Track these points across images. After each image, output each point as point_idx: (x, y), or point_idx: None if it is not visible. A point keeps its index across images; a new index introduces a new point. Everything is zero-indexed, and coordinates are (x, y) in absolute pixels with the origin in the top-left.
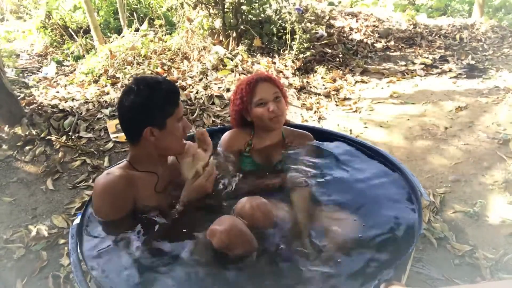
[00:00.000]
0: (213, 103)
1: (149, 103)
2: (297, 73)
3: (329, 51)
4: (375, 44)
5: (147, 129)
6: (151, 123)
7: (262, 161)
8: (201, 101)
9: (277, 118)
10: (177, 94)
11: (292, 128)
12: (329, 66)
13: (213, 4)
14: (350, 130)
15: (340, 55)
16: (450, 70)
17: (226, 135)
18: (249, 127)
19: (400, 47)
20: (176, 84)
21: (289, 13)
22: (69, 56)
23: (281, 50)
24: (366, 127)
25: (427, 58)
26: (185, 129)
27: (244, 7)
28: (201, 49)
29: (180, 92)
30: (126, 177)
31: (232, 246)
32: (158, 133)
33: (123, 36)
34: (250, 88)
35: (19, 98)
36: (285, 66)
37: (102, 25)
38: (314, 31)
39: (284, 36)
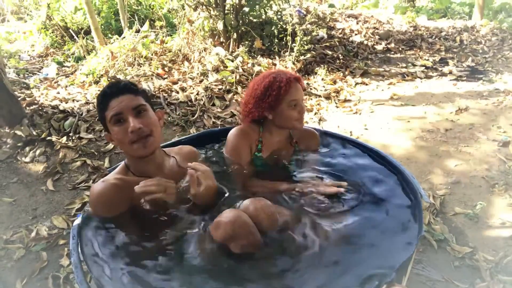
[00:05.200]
0: (213, 105)
1: None
2: (297, 74)
3: (330, 53)
4: (375, 46)
5: (105, 133)
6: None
7: (272, 160)
8: (201, 103)
9: (302, 119)
10: (104, 98)
11: None
12: (330, 68)
13: (214, 5)
14: (351, 132)
15: (341, 57)
16: (450, 72)
17: (234, 132)
18: (256, 125)
19: (400, 49)
20: (177, 84)
21: (290, 15)
22: (69, 57)
23: (282, 52)
24: (366, 129)
25: (428, 60)
26: (127, 129)
27: (245, 9)
28: (202, 51)
29: (182, 94)
30: (120, 185)
31: (237, 237)
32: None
33: (124, 37)
34: (288, 86)
35: (19, 98)
36: (286, 67)
37: (103, 26)
38: (314, 33)
39: (284, 38)
